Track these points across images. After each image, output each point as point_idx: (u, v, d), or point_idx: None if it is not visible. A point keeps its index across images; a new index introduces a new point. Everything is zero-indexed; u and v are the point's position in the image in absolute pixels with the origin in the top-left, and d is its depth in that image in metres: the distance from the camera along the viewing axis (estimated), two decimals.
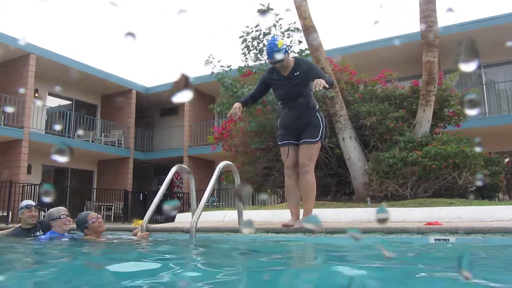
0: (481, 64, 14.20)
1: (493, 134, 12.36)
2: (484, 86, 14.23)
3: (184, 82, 0.89)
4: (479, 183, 6.76)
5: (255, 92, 4.50)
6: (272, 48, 4.08)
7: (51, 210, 4.08)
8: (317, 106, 4.33)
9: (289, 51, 4.82)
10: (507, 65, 14.13)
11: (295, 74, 4.18)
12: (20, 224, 4.40)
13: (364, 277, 1.67)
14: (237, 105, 4.17)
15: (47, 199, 0.95)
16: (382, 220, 1.23)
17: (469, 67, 0.89)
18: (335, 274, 1.77)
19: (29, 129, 14.24)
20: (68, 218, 4.01)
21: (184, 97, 0.89)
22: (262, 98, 5.30)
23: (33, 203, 4.34)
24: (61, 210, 4.02)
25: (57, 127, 16.27)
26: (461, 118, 8.18)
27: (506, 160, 13.64)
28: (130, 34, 0.87)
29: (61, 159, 0.98)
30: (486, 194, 7.78)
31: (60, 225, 3.93)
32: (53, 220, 3.94)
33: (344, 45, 14.14)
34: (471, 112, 0.97)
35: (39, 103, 15.39)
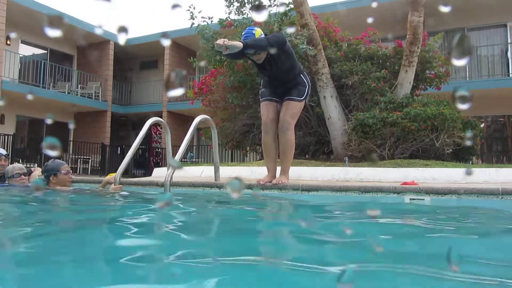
0: (465, 28, 14.10)
1: (472, 98, 12.45)
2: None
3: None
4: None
5: None
6: (249, 38, 3.71)
7: (7, 167, 4.01)
8: (302, 68, 4.21)
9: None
10: (489, 29, 14.07)
11: (268, 56, 3.87)
12: None
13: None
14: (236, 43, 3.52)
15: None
16: None
17: (461, 62, 0.85)
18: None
19: (1, 78, 13.69)
20: (23, 177, 3.98)
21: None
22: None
23: (4, 152, 4.24)
24: (16, 168, 3.97)
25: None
26: (442, 80, 8.17)
27: (482, 125, 13.83)
28: None
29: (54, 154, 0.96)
30: (461, 157, 7.89)
31: (17, 183, 3.89)
32: (9, 178, 3.91)
33: (329, 2, 13.76)
34: (463, 106, 0.92)
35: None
